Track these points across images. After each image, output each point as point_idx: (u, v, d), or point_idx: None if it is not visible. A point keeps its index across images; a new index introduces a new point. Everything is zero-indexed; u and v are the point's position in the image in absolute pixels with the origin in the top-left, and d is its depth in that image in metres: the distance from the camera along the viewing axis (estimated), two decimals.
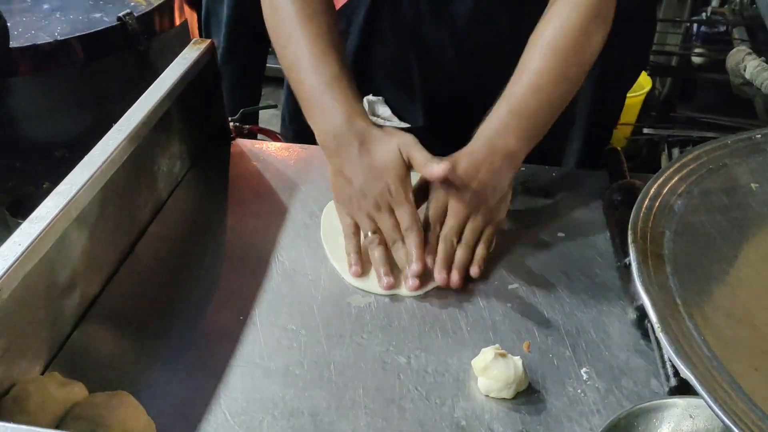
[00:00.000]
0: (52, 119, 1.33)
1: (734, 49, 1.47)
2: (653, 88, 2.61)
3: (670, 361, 0.70)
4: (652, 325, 0.71)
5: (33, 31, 1.50)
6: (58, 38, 1.27)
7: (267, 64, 3.17)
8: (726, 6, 2.37)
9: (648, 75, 2.38)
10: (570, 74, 0.89)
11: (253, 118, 2.26)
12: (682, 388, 0.68)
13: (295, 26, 0.93)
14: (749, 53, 1.38)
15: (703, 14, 2.35)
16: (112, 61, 1.35)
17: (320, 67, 0.90)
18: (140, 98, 0.93)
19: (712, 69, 2.16)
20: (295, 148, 1.15)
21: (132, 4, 1.64)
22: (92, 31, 1.32)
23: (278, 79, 2.78)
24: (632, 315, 0.79)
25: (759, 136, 0.90)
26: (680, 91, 2.50)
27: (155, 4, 1.43)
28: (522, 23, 0.94)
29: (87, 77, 1.33)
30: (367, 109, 1.07)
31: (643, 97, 2.54)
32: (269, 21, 0.98)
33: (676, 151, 2.08)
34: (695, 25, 2.39)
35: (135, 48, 1.36)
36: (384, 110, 1.16)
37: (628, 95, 2.38)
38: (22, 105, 1.28)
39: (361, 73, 1.08)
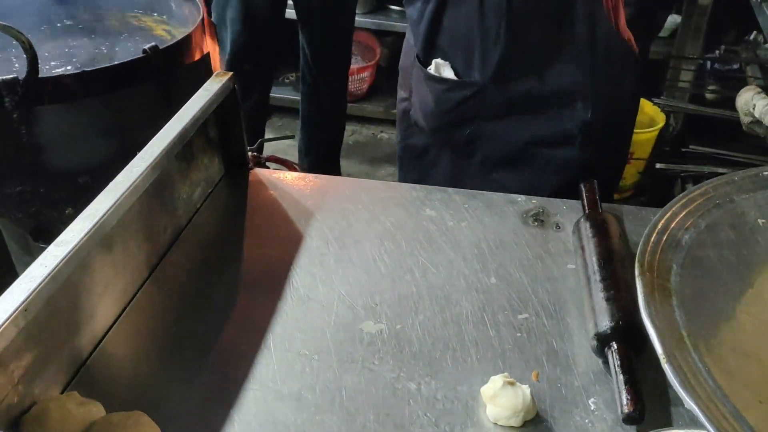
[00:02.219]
0: (77, 147, 1.37)
1: (744, 88, 1.49)
2: (667, 123, 2.63)
3: (624, 390, 0.71)
4: (612, 354, 0.73)
5: (61, 62, 1.56)
6: (85, 69, 1.31)
7: (284, 95, 3.24)
8: (740, 45, 2.39)
9: (661, 111, 2.40)
10: None
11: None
12: (635, 418, 0.70)
13: None
14: (759, 92, 1.40)
15: (717, 52, 2.38)
16: (136, 92, 1.39)
17: None
18: (163, 128, 0.96)
19: (725, 105, 2.18)
20: (311, 178, 1.17)
21: (157, 36, 1.69)
22: (118, 63, 1.36)
23: (294, 110, 2.85)
24: (593, 342, 0.79)
25: (766, 172, 0.91)
26: (693, 127, 2.52)
27: (179, 38, 1.47)
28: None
29: (111, 107, 1.36)
30: (433, 71, 1.37)
31: (656, 132, 2.56)
32: None
33: (690, 186, 2.09)
34: (708, 62, 2.42)
35: (158, 79, 1.40)
36: (448, 72, 1.37)
37: (642, 130, 2.41)
38: (48, 133, 1.32)
39: (432, 41, 1.36)
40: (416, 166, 1.55)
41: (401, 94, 1.55)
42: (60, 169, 1.38)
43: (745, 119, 1.49)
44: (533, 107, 1.35)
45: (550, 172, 1.39)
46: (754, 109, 1.39)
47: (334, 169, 2.80)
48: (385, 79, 3.44)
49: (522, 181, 1.37)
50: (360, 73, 3.30)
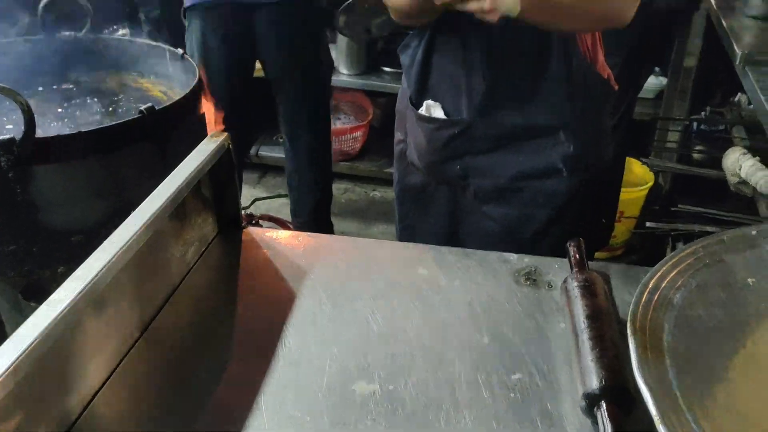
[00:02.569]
0: (71, 206, 1.38)
1: (730, 149, 1.53)
2: (656, 182, 2.67)
3: None
4: (602, 414, 0.72)
5: (58, 122, 1.58)
6: (82, 130, 1.33)
7: (276, 155, 3.26)
8: (725, 106, 2.44)
9: (650, 171, 2.44)
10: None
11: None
12: None
13: None
14: (744, 153, 1.43)
15: (703, 113, 2.43)
16: (132, 152, 1.40)
17: None
18: (158, 188, 0.97)
19: (711, 165, 2.21)
20: (304, 237, 1.18)
21: (154, 97, 1.72)
22: (114, 123, 1.38)
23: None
24: (582, 402, 0.78)
25: (755, 232, 0.92)
26: (682, 186, 2.55)
27: (175, 99, 1.50)
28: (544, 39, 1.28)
29: (107, 167, 1.38)
30: (425, 111, 1.47)
31: (645, 191, 2.60)
32: None
33: (680, 245, 2.11)
34: (695, 124, 2.47)
35: (154, 139, 1.42)
36: (438, 112, 1.47)
37: (631, 189, 2.44)
38: (44, 192, 1.33)
39: (424, 82, 1.48)
40: (414, 204, 1.63)
41: (398, 136, 1.63)
42: (54, 228, 1.39)
43: (732, 179, 1.52)
44: (519, 141, 1.44)
45: (539, 204, 1.47)
46: (740, 169, 1.42)
47: (326, 228, 2.82)
48: (378, 138, 3.48)
49: (513, 214, 1.46)
50: (353, 133, 3.34)
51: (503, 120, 1.42)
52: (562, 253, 1.05)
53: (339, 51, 3.24)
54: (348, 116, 3.49)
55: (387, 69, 3.27)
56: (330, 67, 2.75)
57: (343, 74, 3.27)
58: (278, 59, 2.51)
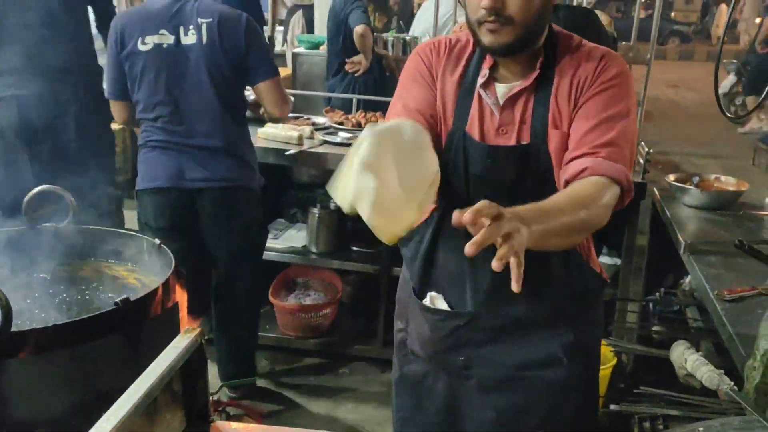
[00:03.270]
0: (39, 398, 1.37)
1: (675, 343, 1.61)
2: (619, 361, 2.72)
3: None
4: None
5: (33, 313, 1.61)
6: (57, 323, 1.37)
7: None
8: (678, 287, 2.57)
9: (611, 351, 2.50)
10: (582, 212, 1.24)
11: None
12: None
13: None
14: (688, 347, 1.51)
15: (657, 294, 2.54)
16: (105, 343, 1.43)
17: None
18: (130, 387, 1.00)
19: (670, 346, 2.29)
20: (274, 430, 1.20)
21: (129, 285, 1.77)
22: (89, 316, 1.41)
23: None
24: None
25: (702, 429, 0.97)
26: (645, 364, 2.61)
27: (150, 288, 1.55)
28: None
29: (78, 358, 1.39)
30: (429, 303, 1.53)
31: (609, 370, 2.64)
32: None
33: (647, 425, 2.12)
34: (651, 304, 2.57)
35: (127, 330, 1.45)
36: (442, 303, 1.53)
37: None
38: (13, 384, 1.33)
39: (427, 275, 1.55)
40: (413, 393, 1.65)
41: (398, 324, 1.68)
42: (19, 420, 1.38)
43: (680, 372, 1.59)
44: (521, 332, 1.51)
45: (539, 393, 1.50)
46: (686, 362, 1.49)
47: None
48: (348, 314, 3.54)
49: (515, 404, 1.49)
50: (322, 310, 3.39)
51: (507, 312, 1.50)
52: None
53: (310, 230, 3.36)
54: (318, 293, 3.55)
55: (356, 248, 3.38)
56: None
57: (313, 253, 3.37)
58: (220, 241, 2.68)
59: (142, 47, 2.40)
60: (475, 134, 1.46)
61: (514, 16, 1.35)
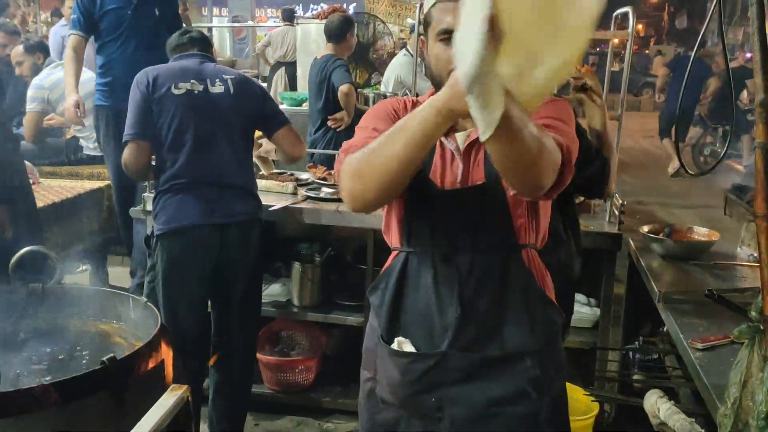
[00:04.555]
0: None
1: (649, 392, 1.65)
2: (601, 410, 2.75)
3: None
4: None
5: (17, 370, 1.63)
6: (43, 383, 1.39)
7: None
8: (656, 336, 2.61)
9: (592, 401, 2.52)
10: (542, 141, 1.27)
11: None
12: None
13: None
14: (661, 396, 1.55)
15: (636, 342, 2.59)
16: (90, 401, 1.45)
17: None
18: None
19: None
20: None
21: (114, 343, 1.79)
22: (75, 375, 1.43)
23: None
24: None
25: None
26: (627, 411, 2.63)
27: (136, 347, 1.57)
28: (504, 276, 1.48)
29: (63, 418, 1.41)
30: (396, 347, 1.57)
31: (592, 419, 2.66)
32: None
33: None
34: (630, 353, 2.61)
35: (114, 388, 1.47)
36: (409, 347, 1.56)
37: (577, 418, 2.52)
38: None
39: (395, 319, 1.59)
40: None
41: (365, 374, 1.70)
42: None
43: (653, 420, 1.62)
44: (490, 369, 1.54)
45: (511, 429, 1.54)
46: (659, 411, 1.53)
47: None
48: (332, 368, 3.53)
49: None
50: (306, 364, 3.39)
51: (476, 350, 1.54)
52: None
53: (293, 284, 3.38)
54: (302, 347, 3.56)
55: (340, 302, 3.40)
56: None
57: (296, 307, 3.39)
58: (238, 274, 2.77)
59: (175, 91, 2.61)
60: (437, 179, 1.55)
61: None
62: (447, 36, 1.42)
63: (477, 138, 1.49)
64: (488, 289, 1.54)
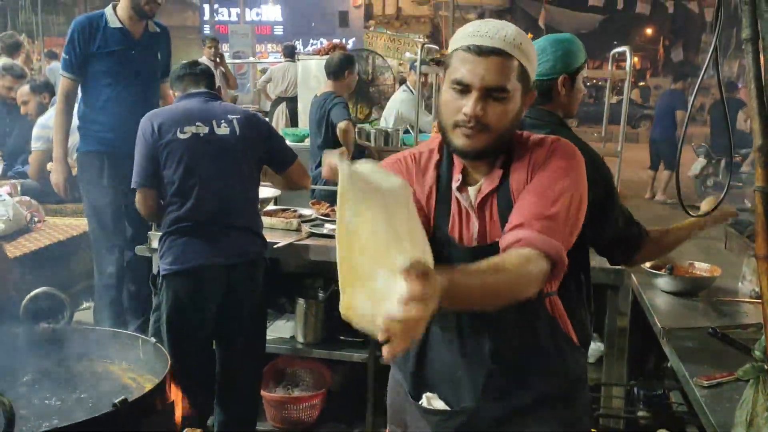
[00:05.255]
0: None
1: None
2: None
3: None
4: None
5: (26, 412, 1.63)
6: (57, 426, 1.40)
7: None
8: (660, 371, 2.63)
9: None
10: (502, 276, 1.29)
11: None
12: None
13: None
14: None
15: (641, 378, 2.59)
16: None
17: None
18: None
19: (655, 429, 2.33)
20: None
21: (124, 385, 1.80)
22: (87, 419, 1.44)
23: None
24: None
25: None
26: None
27: (147, 389, 1.59)
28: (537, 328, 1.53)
29: None
30: (426, 404, 1.57)
31: None
32: None
33: None
34: (635, 388, 2.62)
35: (125, 430, 1.48)
36: (439, 403, 1.56)
37: None
38: None
39: (421, 375, 1.59)
40: None
41: (395, 429, 1.69)
42: None
43: None
44: (522, 416, 1.55)
45: None
46: None
47: None
48: (337, 405, 3.52)
49: None
50: (311, 401, 3.38)
51: (505, 401, 1.55)
52: None
53: (297, 320, 3.40)
54: (305, 383, 3.55)
55: (344, 338, 3.41)
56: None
57: (301, 343, 3.39)
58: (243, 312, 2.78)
59: (181, 136, 2.63)
60: (456, 235, 1.54)
61: (491, 124, 1.45)
62: (459, 87, 1.45)
63: (488, 192, 1.52)
64: (517, 341, 1.54)
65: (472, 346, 1.54)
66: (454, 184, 1.55)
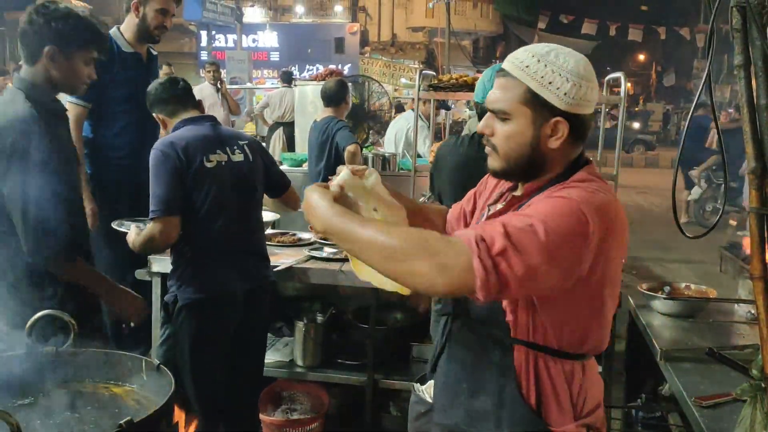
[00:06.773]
0: None
1: None
2: None
3: None
4: None
5: None
6: None
7: None
8: (659, 393, 2.64)
9: None
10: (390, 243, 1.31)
11: None
12: None
13: None
14: None
15: (638, 400, 2.61)
16: None
17: None
18: None
19: None
20: None
21: (127, 407, 1.81)
22: None
23: None
24: None
25: None
26: None
27: (149, 408, 1.60)
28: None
29: None
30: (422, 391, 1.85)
31: None
32: None
33: None
34: (633, 411, 2.63)
35: None
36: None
37: None
38: None
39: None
40: None
41: None
42: None
43: None
44: None
45: None
46: None
47: None
48: (335, 428, 3.51)
49: None
50: (309, 425, 3.38)
51: (447, 414, 1.64)
52: None
53: (296, 343, 3.40)
54: (304, 407, 3.55)
55: (341, 361, 3.41)
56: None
57: (299, 366, 3.40)
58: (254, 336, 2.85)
59: (208, 164, 2.60)
60: None
61: (496, 146, 1.49)
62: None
63: (497, 212, 1.55)
64: (469, 368, 1.56)
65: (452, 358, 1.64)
66: (488, 201, 1.65)
